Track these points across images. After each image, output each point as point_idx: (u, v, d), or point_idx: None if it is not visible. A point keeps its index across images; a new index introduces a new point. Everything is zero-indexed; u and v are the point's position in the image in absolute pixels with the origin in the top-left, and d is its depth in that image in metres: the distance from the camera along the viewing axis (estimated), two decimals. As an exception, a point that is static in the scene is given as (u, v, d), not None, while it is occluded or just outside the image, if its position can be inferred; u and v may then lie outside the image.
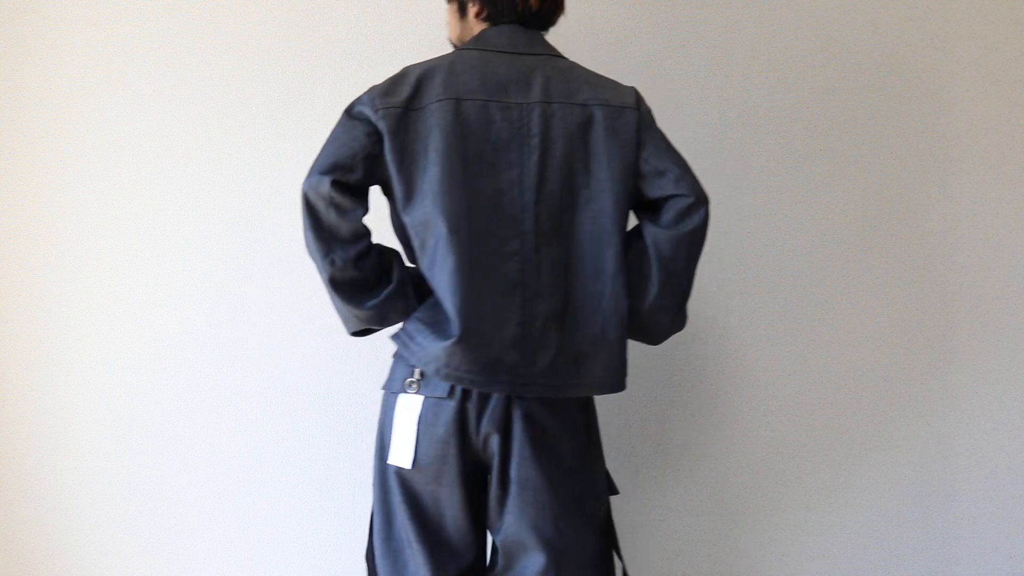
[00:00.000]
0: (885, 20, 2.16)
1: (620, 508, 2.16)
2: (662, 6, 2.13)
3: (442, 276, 1.55)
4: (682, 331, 2.15)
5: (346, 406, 2.12)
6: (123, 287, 2.12)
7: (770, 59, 2.14)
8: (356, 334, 1.69)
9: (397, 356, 1.66)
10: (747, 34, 2.14)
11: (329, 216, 1.56)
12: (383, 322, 1.63)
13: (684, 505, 2.17)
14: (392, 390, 1.64)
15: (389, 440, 1.63)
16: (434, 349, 1.56)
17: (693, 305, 2.16)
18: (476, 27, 1.69)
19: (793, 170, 2.16)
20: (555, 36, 2.06)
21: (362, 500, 2.12)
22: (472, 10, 1.68)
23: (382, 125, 1.56)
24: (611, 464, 2.15)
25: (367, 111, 1.59)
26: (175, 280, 2.12)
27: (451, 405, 1.60)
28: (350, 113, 1.62)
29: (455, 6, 1.71)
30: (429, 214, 1.55)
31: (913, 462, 2.20)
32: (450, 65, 1.61)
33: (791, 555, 2.19)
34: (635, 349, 2.15)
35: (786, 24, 2.15)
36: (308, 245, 1.59)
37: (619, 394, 2.13)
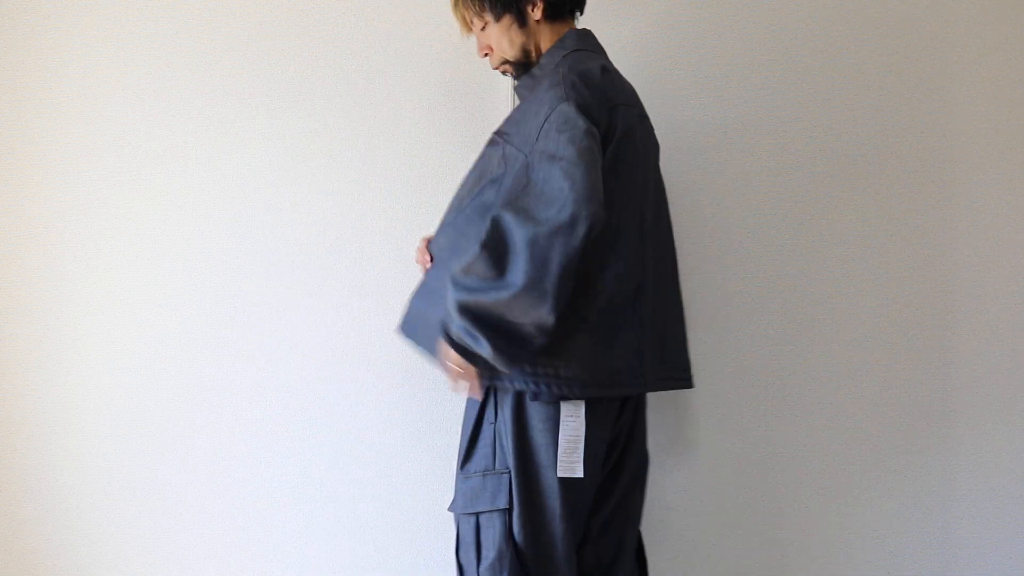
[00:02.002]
0: (885, 20, 2.16)
1: (620, 508, 2.16)
2: (662, 6, 2.13)
3: (626, 288, 1.59)
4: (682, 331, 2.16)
5: (346, 406, 2.12)
6: (123, 287, 2.12)
7: (770, 59, 2.14)
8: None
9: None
10: (747, 34, 2.14)
11: (580, 250, 1.44)
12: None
13: (684, 505, 2.17)
14: (547, 398, 1.56)
15: (552, 451, 1.56)
16: (607, 362, 1.58)
17: (694, 305, 2.16)
18: (542, 30, 1.67)
19: (793, 170, 2.16)
20: (555, 36, 2.06)
21: (362, 500, 2.12)
22: (536, 13, 1.66)
23: (602, 138, 1.53)
24: (611, 464, 2.16)
25: (594, 126, 1.51)
26: (175, 280, 2.12)
27: (616, 404, 1.64)
28: (588, 123, 1.49)
29: (511, 17, 1.65)
30: (620, 229, 1.56)
31: (913, 462, 2.19)
32: (602, 68, 1.61)
33: (791, 555, 2.19)
34: (635, 349, 2.15)
35: (786, 24, 2.15)
36: (554, 283, 1.41)
37: (619, 394, 2.14)
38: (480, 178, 1.64)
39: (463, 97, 2.08)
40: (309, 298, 2.11)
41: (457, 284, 1.47)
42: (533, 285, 1.40)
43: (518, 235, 1.42)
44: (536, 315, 1.43)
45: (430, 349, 1.61)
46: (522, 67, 1.70)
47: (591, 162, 1.44)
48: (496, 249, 1.44)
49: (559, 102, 1.50)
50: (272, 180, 2.11)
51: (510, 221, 1.44)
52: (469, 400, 1.70)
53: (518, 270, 1.41)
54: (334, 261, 2.10)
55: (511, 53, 1.68)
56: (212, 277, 2.12)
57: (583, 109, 1.49)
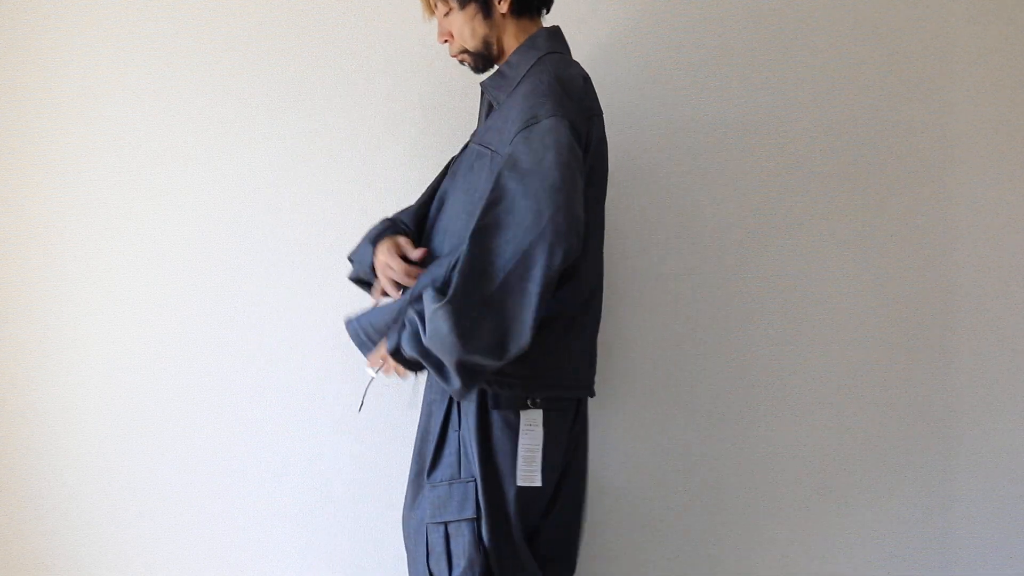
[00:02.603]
0: (885, 20, 2.16)
1: (620, 508, 2.16)
2: (662, 6, 2.13)
3: (585, 294, 1.62)
4: (682, 330, 2.16)
5: (346, 406, 2.12)
6: (123, 287, 2.12)
7: (770, 59, 2.14)
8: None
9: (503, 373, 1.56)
10: (747, 34, 2.14)
11: (555, 279, 1.42)
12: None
13: (684, 505, 2.17)
14: (508, 406, 1.56)
15: (512, 459, 1.56)
16: (566, 366, 1.61)
17: (694, 305, 2.16)
18: (506, 25, 1.64)
19: (793, 170, 2.16)
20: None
21: (362, 501, 2.12)
22: (503, 6, 1.62)
23: (583, 150, 1.53)
24: (611, 464, 2.16)
25: (578, 144, 1.49)
26: (175, 280, 2.12)
27: (571, 412, 1.64)
28: (575, 144, 1.47)
29: (475, 7, 1.62)
30: (589, 239, 1.58)
31: (913, 462, 2.20)
32: (583, 77, 1.61)
33: (791, 555, 2.19)
34: (636, 349, 2.16)
35: (786, 24, 2.15)
36: (533, 317, 1.39)
37: (619, 394, 2.14)
38: (472, 191, 1.60)
39: (463, 97, 2.07)
40: (309, 298, 2.11)
41: (463, 336, 1.40)
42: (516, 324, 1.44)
43: (498, 267, 1.40)
44: (517, 347, 1.43)
45: (364, 344, 1.61)
46: (481, 59, 1.67)
47: (572, 187, 1.42)
48: (480, 279, 1.41)
49: (547, 115, 1.47)
50: (272, 180, 2.11)
51: (492, 247, 1.42)
52: (426, 406, 1.70)
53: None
54: (334, 261, 2.10)
55: (472, 43, 1.65)
56: (212, 277, 2.12)
57: (571, 126, 1.48)
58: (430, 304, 1.43)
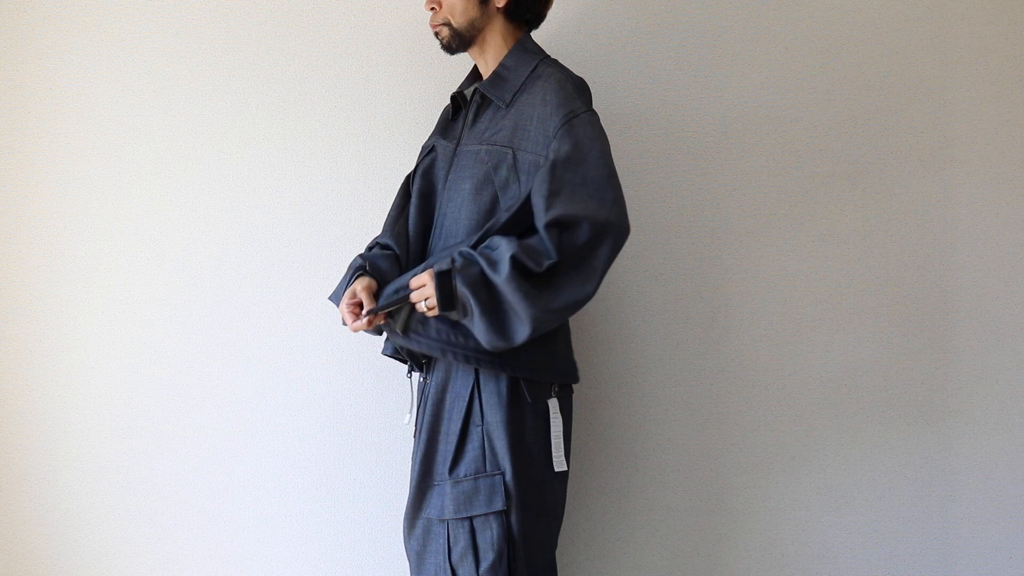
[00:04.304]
0: (885, 20, 2.16)
1: (620, 508, 2.16)
2: (662, 6, 2.13)
3: None
4: (682, 330, 2.16)
5: (346, 406, 2.12)
6: (123, 287, 2.12)
7: (770, 59, 2.14)
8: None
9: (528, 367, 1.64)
10: (747, 34, 2.14)
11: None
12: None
13: (684, 505, 2.17)
14: (538, 397, 1.62)
15: (542, 448, 1.61)
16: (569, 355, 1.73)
17: (694, 305, 2.16)
18: (495, 21, 1.68)
19: (793, 170, 2.16)
20: (554, 35, 2.06)
21: (362, 500, 2.12)
22: (499, 0, 1.67)
23: None
24: (611, 464, 2.16)
25: None
26: (175, 280, 2.12)
27: (571, 397, 1.72)
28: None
29: None
30: None
31: (913, 462, 2.20)
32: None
33: (791, 555, 2.19)
34: (635, 349, 2.16)
35: (786, 24, 2.15)
36: (586, 296, 1.52)
37: (619, 394, 2.15)
38: (483, 189, 1.64)
39: (463, 97, 2.08)
40: (309, 298, 2.11)
41: (551, 293, 1.51)
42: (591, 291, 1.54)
43: (575, 247, 1.50)
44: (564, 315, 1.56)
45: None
46: (458, 38, 1.70)
47: (616, 174, 1.56)
48: (574, 254, 1.52)
49: (583, 110, 1.58)
50: (272, 180, 2.11)
51: (568, 234, 1.51)
52: (432, 408, 1.70)
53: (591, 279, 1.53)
54: (334, 261, 2.10)
55: (458, 20, 1.68)
56: (212, 277, 2.12)
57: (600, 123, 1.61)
58: (511, 252, 1.48)
